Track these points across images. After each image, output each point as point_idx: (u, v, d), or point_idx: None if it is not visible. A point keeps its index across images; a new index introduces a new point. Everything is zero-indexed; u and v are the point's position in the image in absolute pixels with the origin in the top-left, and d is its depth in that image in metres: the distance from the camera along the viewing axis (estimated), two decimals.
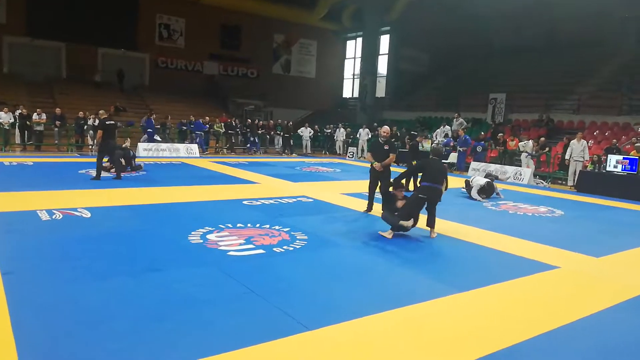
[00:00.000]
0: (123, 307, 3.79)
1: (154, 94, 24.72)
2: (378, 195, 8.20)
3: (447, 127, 19.66)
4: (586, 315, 4.14)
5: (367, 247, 6.08)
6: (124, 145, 12.49)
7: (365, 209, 8.36)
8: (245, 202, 8.67)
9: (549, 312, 4.16)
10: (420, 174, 6.97)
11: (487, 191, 10.71)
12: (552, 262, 5.75)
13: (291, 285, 4.49)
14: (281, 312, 3.83)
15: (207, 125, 20.14)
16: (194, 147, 18.72)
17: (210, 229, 6.45)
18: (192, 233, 6.16)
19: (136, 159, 12.86)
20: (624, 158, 12.77)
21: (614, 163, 12.81)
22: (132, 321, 3.54)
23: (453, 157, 17.56)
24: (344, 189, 11.22)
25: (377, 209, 8.25)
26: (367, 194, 8.41)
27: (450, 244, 6.51)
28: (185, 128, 19.91)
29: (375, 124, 22.62)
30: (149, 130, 18.30)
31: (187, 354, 3.07)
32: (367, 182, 8.39)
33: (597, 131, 17.52)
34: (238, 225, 6.75)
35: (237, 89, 27.38)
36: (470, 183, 10.91)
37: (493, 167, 15.90)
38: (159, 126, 19.28)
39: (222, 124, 20.79)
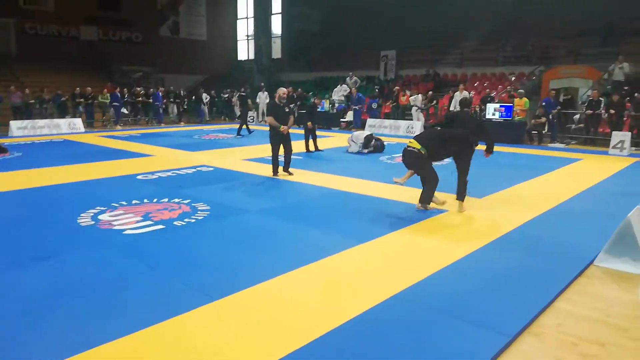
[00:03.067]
0: (6, 301, 3.47)
1: (24, 65, 21.98)
2: (281, 158, 8.26)
3: (344, 85, 20.01)
4: (476, 248, 4.58)
5: (273, 211, 6.11)
6: None
7: (272, 173, 8.34)
8: (139, 177, 8.23)
9: (445, 251, 4.53)
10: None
11: (369, 143, 11.46)
12: (442, 206, 6.24)
13: (194, 258, 4.40)
14: (185, 286, 3.76)
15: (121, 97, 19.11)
16: (78, 122, 17.18)
17: (102, 208, 6.05)
18: (82, 215, 5.75)
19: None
20: (500, 106, 14.00)
21: (492, 111, 14.01)
22: (17, 315, 3.25)
23: (350, 116, 18.03)
24: (245, 154, 11.08)
25: (282, 172, 8.32)
26: (271, 158, 8.37)
27: (350, 199, 6.76)
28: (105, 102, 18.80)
29: (263, 84, 22.37)
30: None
31: (85, 340, 2.90)
32: (269, 146, 8.35)
33: (478, 82, 18.94)
34: (133, 202, 6.41)
35: (121, 56, 25.26)
36: (353, 139, 11.43)
37: (387, 123, 16.63)
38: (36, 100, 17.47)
39: (108, 95, 19.25)
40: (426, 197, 6.05)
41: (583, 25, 18.09)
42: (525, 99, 14.07)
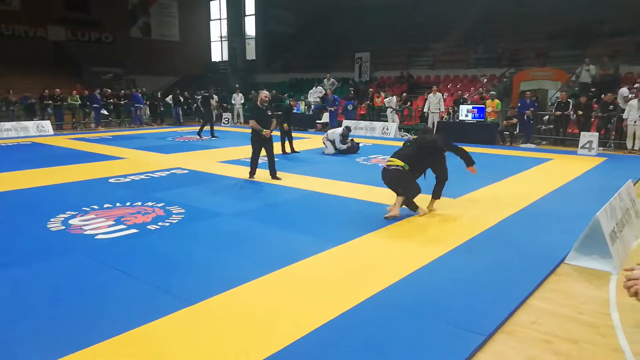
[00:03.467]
0: None
1: None
2: (262, 160, 8.21)
3: (319, 87, 20.03)
4: (451, 249, 4.63)
5: (248, 214, 6.05)
6: None
7: (248, 176, 8.26)
8: (112, 180, 8.04)
9: (420, 252, 4.56)
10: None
11: (346, 139, 11.46)
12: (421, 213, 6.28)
13: (169, 263, 4.32)
14: (160, 291, 3.69)
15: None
16: (46, 124, 16.69)
17: (72, 213, 5.89)
18: (52, 220, 5.58)
19: None
20: (473, 107, 14.25)
21: (465, 112, 14.24)
22: None
23: (326, 117, 18.06)
24: (220, 156, 10.95)
25: (260, 174, 8.26)
26: (250, 160, 8.25)
27: (326, 201, 6.76)
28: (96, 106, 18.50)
29: (237, 85, 22.22)
30: None
31: (52, 352, 2.81)
32: (246, 147, 8.29)
33: (450, 84, 19.24)
34: (105, 205, 6.26)
35: (91, 57, 24.67)
36: (329, 138, 11.42)
37: (363, 124, 16.72)
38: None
39: (78, 97, 18.78)
40: (412, 204, 6.02)
41: (552, 28, 18.57)
42: (497, 101, 14.37)
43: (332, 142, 11.45)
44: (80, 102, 18.71)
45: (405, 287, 3.82)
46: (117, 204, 6.35)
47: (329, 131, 12.04)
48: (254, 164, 8.23)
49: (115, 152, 11.58)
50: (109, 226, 5.36)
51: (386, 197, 6.61)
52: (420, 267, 4.19)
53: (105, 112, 18.97)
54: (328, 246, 4.72)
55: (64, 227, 5.32)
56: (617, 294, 3.77)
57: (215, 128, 19.00)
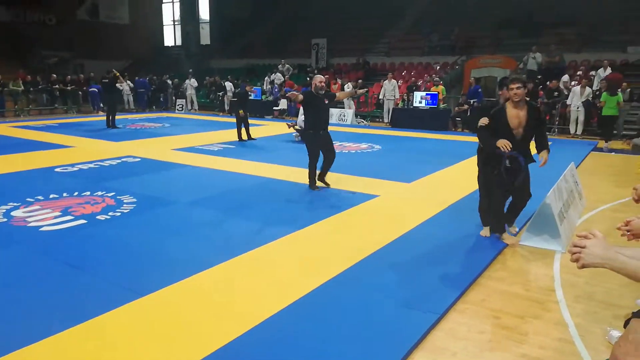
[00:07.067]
0: None
1: None
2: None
3: (278, 74, 19.84)
4: (404, 232, 4.72)
5: (203, 202, 5.94)
6: None
7: (310, 186, 6.58)
8: (58, 170, 7.68)
9: (374, 236, 4.62)
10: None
11: None
12: (374, 191, 6.38)
13: (119, 254, 4.18)
14: (109, 283, 3.56)
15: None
16: None
17: (15, 204, 5.59)
18: None
19: None
20: (426, 94, 14.50)
21: (418, 99, 14.49)
22: None
23: (283, 104, 17.93)
24: (175, 144, 10.66)
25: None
26: (308, 168, 6.65)
27: (281, 187, 6.73)
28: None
29: (190, 70, 21.67)
30: None
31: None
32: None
33: (405, 71, 19.48)
34: (51, 196, 5.98)
35: (35, 39, 23.32)
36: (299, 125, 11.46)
37: None
38: None
39: (21, 82, 17.77)
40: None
41: (504, 16, 19.09)
42: (441, 87, 14.74)
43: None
44: (23, 87, 17.71)
45: (360, 269, 3.86)
46: (64, 194, 6.07)
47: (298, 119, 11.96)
48: (313, 173, 6.54)
49: (61, 141, 11.05)
50: (55, 217, 5.12)
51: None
52: (374, 251, 4.25)
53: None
54: (282, 233, 4.69)
55: (5, 220, 5.04)
56: (561, 271, 3.97)
57: (170, 115, 18.48)
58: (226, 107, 19.24)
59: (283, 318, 3.09)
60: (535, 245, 4.53)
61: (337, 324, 3.03)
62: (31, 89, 18.25)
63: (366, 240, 4.52)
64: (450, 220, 5.25)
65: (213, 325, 3.00)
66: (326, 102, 6.38)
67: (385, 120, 16.06)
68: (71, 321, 2.97)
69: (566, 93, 13.39)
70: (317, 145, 6.40)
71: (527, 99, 4.34)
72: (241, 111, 11.15)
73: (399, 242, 4.53)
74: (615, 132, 12.35)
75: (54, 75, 19.40)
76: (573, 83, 13.55)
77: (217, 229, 4.90)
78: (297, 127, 11.68)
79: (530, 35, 17.55)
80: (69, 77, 19.93)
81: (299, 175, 7.44)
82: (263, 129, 13.79)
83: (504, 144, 4.15)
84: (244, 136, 11.37)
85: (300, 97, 6.32)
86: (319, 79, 6.42)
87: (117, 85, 15.30)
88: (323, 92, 6.33)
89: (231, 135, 11.51)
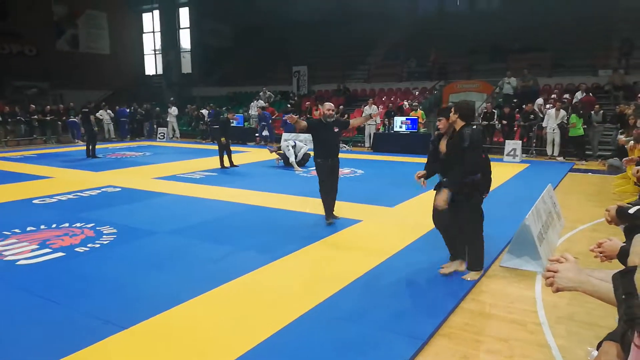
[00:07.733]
0: None
1: None
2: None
3: (260, 101, 20.02)
4: (388, 256, 4.72)
5: (185, 231, 5.87)
6: None
7: (327, 220, 6.22)
8: (36, 202, 7.54)
9: (358, 261, 4.61)
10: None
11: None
12: (357, 216, 6.40)
13: (98, 286, 4.09)
14: (88, 317, 3.47)
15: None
16: None
17: None
18: None
19: None
20: (406, 119, 14.75)
21: (399, 124, 14.71)
22: None
23: (265, 130, 18.05)
24: (155, 173, 10.58)
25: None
26: (322, 201, 6.28)
27: (265, 214, 6.70)
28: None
29: (172, 98, 21.69)
30: None
31: None
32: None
33: (385, 97, 19.82)
34: (28, 229, 5.85)
35: (13, 70, 23.16)
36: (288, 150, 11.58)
37: (302, 137, 16.80)
38: None
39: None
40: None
41: (473, 44, 19.71)
42: (420, 111, 15.04)
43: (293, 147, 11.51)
44: (1, 118, 17.48)
45: (344, 296, 3.84)
46: (42, 227, 5.95)
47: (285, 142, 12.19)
48: (328, 206, 6.20)
49: (40, 171, 10.87)
50: (32, 250, 5.00)
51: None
52: (359, 277, 4.24)
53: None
54: (267, 260, 4.67)
55: None
56: (543, 292, 4.00)
57: (151, 143, 18.43)
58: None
59: (266, 349, 3.04)
60: (515, 266, 4.58)
61: (318, 352, 3.00)
62: (9, 119, 18.02)
63: (347, 268, 4.51)
64: (433, 244, 5.26)
65: (194, 357, 2.94)
66: (336, 130, 6.09)
67: (367, 144, 16.22)
68: (49, 357, 2.88)
69: (541, 116, 13.76)
70: (327, 174, 6.09)
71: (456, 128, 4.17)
72: (223, 139, 11.17)
73: (382, 267, 4.53)
74: (590, 152, 12.69)
75: (33, 106, 19.21)
76: (548, 106, 13.94)
77: (198, 258, 4.83)
78: (280, 151, 11.77)
79: (497, 61, 18.21)
80: (49, 107, 19.75)
81: (281, 201, 7.44)
82: (245, 155, 13.80)
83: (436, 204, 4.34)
84: (227, 163, 11.36)
85: (303, 123, 6.02)
86: (327, 106, 6.13)
87: (98, 115, 15.17)
88: (332, 119, 6.07)
89: (213, 162, 11.49)
